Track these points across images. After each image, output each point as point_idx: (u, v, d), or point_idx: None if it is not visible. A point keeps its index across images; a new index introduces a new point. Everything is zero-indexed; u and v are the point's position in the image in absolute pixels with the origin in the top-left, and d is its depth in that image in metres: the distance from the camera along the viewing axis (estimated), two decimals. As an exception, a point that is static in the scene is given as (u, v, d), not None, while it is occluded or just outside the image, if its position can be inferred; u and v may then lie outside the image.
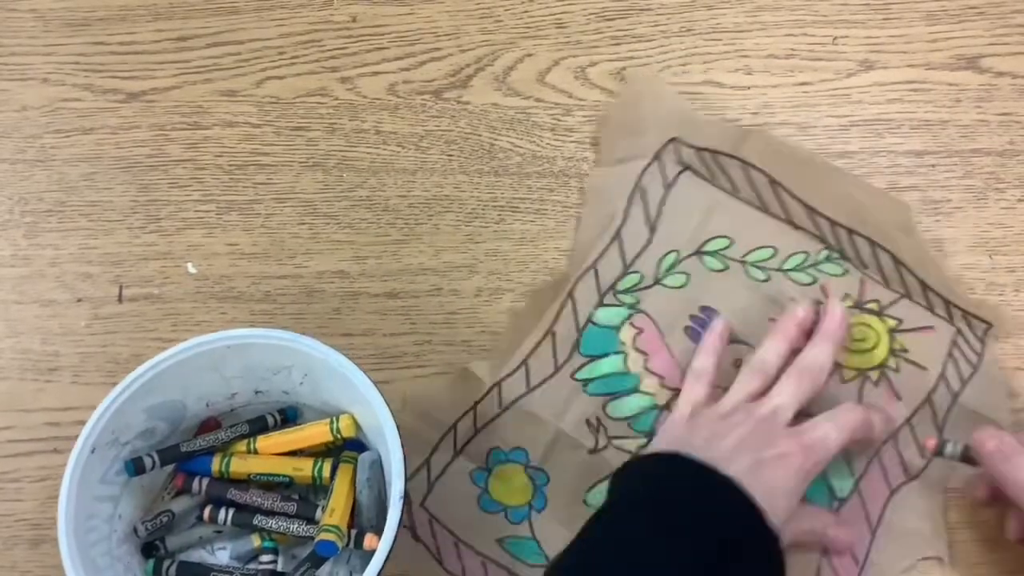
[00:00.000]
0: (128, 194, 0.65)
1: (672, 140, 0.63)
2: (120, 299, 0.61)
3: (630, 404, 0.56)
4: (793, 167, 0.62)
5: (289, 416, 0.56)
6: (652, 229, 0.61)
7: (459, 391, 0.57)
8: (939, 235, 0.62)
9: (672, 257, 0.60)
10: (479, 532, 0.54)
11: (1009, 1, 0.69)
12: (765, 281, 0.59)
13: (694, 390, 0.55)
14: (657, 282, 0.59)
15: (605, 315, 0.59)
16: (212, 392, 0.54)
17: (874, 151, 0.65)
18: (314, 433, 0.53)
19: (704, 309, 0.58)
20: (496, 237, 0.63)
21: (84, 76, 0.68)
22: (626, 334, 0.58)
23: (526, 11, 0.70)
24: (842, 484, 0.54)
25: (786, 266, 0.60)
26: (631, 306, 0.59)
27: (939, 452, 0.52)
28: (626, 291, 0.59)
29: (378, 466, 0.52)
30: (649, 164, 0.62)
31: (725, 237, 0.60)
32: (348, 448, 0.54)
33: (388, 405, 0.49)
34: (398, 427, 0.49)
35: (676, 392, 0.56)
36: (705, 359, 0.56)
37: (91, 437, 0.48)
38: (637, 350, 0.58)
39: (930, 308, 0.58)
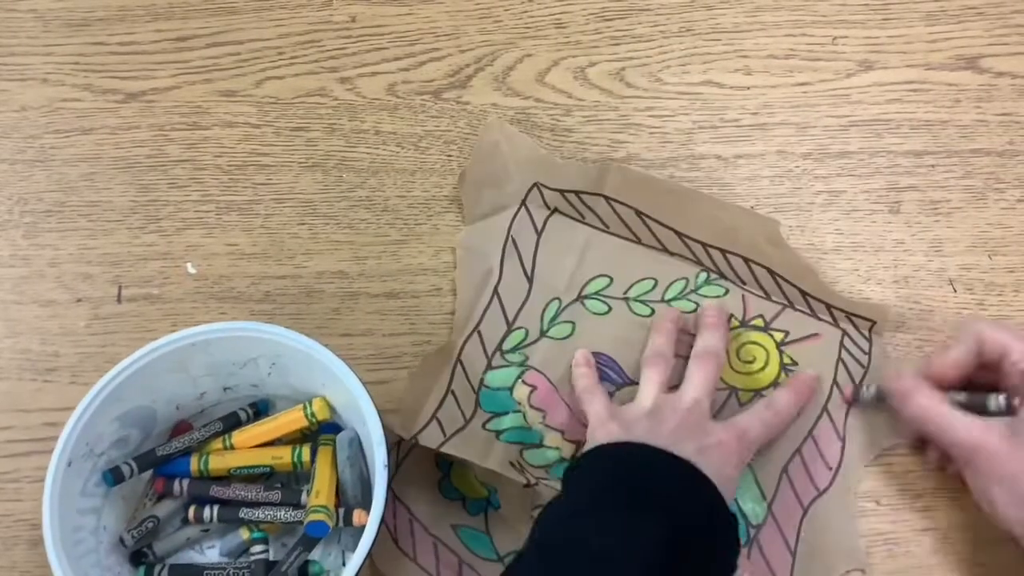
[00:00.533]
0: (128, 194, 0.65)
1: (535, 185, 0.62)
2: (119, 299, 0.61)
3: (543, 455, 0.56)
4: (657, 196, 0.62)
5: (261, 409, 0.56)
6: (529, 280, 0.60)
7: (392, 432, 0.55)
8: (939, 235, 0.62)
9: (555, 306, 0.59)
10: (435, 515, 0.54)
11: (1009, 1, 0.69)
12: (650, 315, 0.59)
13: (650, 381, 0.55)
14: (543, 335, 0.59)
15: (495, 378, 0.57)
16: (181, 394, 0.54)
17: (874, 151, 0.65)
18: (289, 420, 0.54)
19: (595, 355, 0.58)
20: (495, 237, 0.63)
21: (83, 76, 0.68)
22: (520, 393, 0.57)
23: (526, 11, 0.70)
24: (756, 509, 0.54)
25: (668, 296, 0.60)
26: (520, 364, 0.58)
27: (856, 398, 0.56)
28: (513, 349, 0.58)
29: (357, 444, 0.52)
30: (517, 212, 0.62)
31: (604, 276, 0.60)
32: (324, 432, 0.54)
33: (359, 378, 0.49)
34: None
35: (578, 444, 0.56)
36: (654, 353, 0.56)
37: (66, 451, 0.48)
38: (533, 408, 0.57)
39: (814, 314, 0.59)
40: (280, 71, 0.69)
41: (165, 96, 0.68)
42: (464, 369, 0.57)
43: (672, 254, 0.61)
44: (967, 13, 0.69)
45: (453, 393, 0.56)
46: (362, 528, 0.47)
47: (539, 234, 0.61)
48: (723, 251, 0.61)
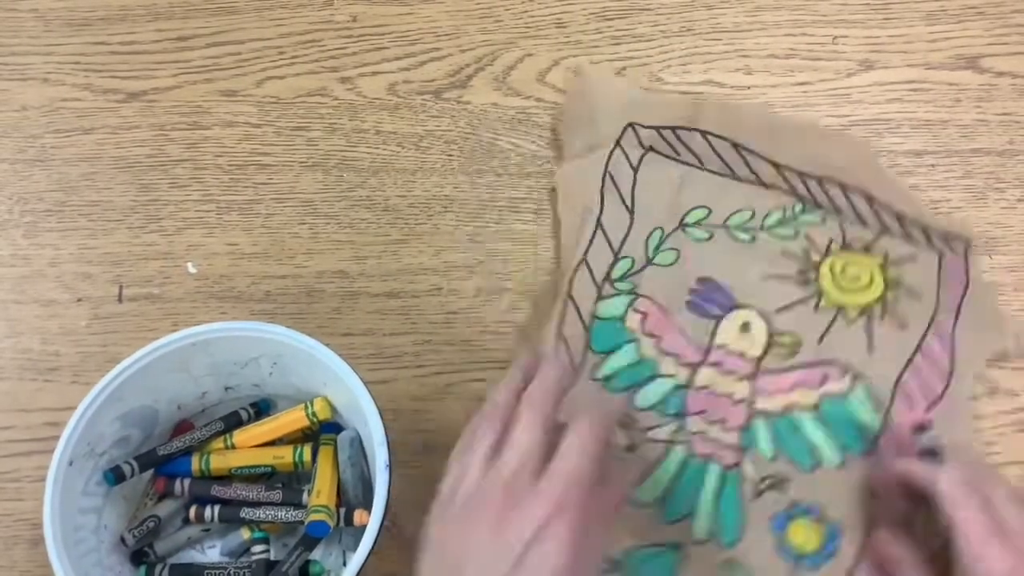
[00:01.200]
0: (128, 194, 0.65)
1: (629, 125, 0.63)
2: (120, 299, 0.61)
3: (655, 391, 0.57)
4: (752, 127, 0.63)
5: (262, 408, 0.56)
6: (631, 211, 0.61)
7: None
8: (939, 235, 0.62)
9: (658, 235, 0.61)
10: None
11: (1009, 1, 0.69)
12: (752, 242, 0.60)
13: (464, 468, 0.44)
14: (649, 263, 0.60)
15: (607, 308, 0.59)
16: (182, 394, 0.54)
17: (874, 151, 0.65)
18: (290, 420, 0.54)
19: (701, 281, 0.59)
20: (496, 237, 0.63)
21: (84, 76, 0.68)
22: (632, 321, 0.58)
23: (526, 11, 0.70)
24: (872, 420, 0.56)
25: (767, 223, 0.61)
26: (630, 292, 0.59)
27: (921, 428, 0.55)
28: (621, 278, 0.59)
29: (358, 444, 0.52)
30: (612, 151, 0.63)
31: (703, 207, 0.61)
32: (325, 432, 0.54)
33: (361, 378, 0.49)
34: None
35: (694, 367, 0.57)
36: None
37: (67, 450, 0.48)
38: (647, 335, 0.58)
39: (910, 238, 0.60)
40: (281, 71, 0.69)
41: (166, 96, 0.68)
42: (576, 304, 0.58)
43: (768, 186, 0.62)
44: (967, 13, 0.69)
45: (565, 340, 0.58)
46: (363, 528, 0.47)
47: (635, 171, 0.62)
48: (819, 179, 0.62)
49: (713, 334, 0.58)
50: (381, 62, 0.69)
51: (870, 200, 0.61)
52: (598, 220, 0.61)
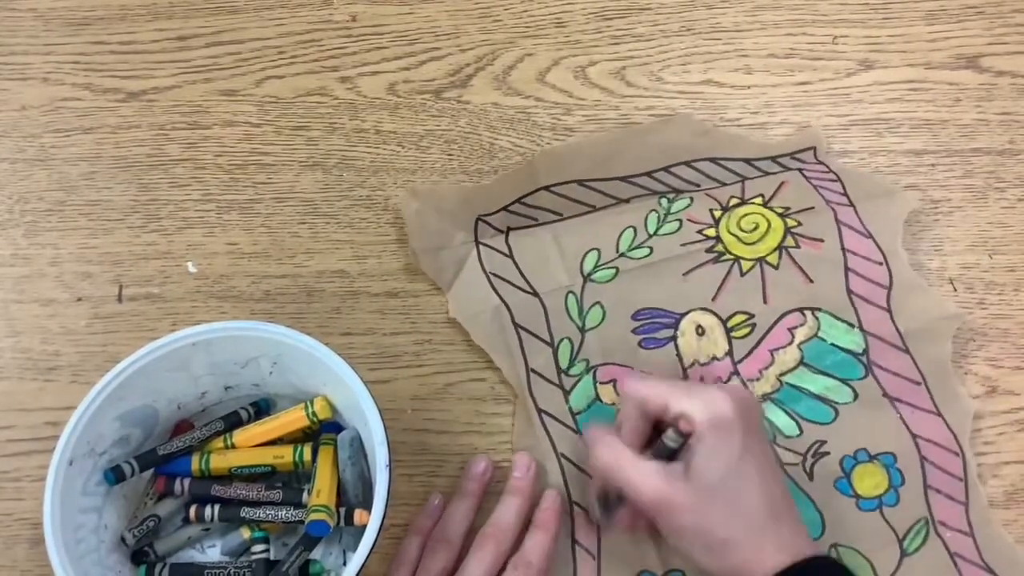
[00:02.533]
0: (128, 193, 0.65)
1: (477, 220, 0.62)
2: (120, 298, 0.61)
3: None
4: (587, 157, 0.63)
5: (262, 407, 0.56)
6: (534, 293, 0.59)
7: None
8: (939, 234, 0.62)
9: (572, 299, 0.59)
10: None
11: (1009, 1, 0.70)
12: (651, 254, 0.60)
13: None
14: (583, 331, 0.58)
15: (577, 397, 0.57)
16: (182, 393, 0.54)
17: (874, 150, 0.65)
18: (290, 420, 0.54)
19: (635, 316, 0.59)
20: (496, 236, 0.63)
21: (84, 76, 0.68)
22: (606, 393, 0.57)
23: (526, 10, 0.71)
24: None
25: (651, 230, 0.61)
26: (587, 369, 0.57)
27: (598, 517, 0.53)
28: (571, 362, 0.57)
29: (358, 443, 0.52)
30: (478, 252, 0.61)
31: (591, 250, 0.61)
32: (325, 431, 0.54)
33: (361, 378, 0.49)
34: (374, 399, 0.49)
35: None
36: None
37: (67, 450, 0.48)
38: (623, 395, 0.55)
39: (767, 173, 0.62)
40: (280, 70, 0.69)
41: (166, 95, 0.68)
42: (551, 415, 0.56)
43: (628, 200, 0.62)
44: (967, 12, 0.69)
45: (562, 456, 0.55)
46: (363, 528, 0.47)
47: (511, 255, 0.61)
48: (665, 169, 0.63)
49: (679, 357, 0.57)
50: (381, 62, 0.69)
51: (715, 161, 0.63)
52: (513, 323, 0.58)
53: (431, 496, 0.54)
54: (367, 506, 0.49)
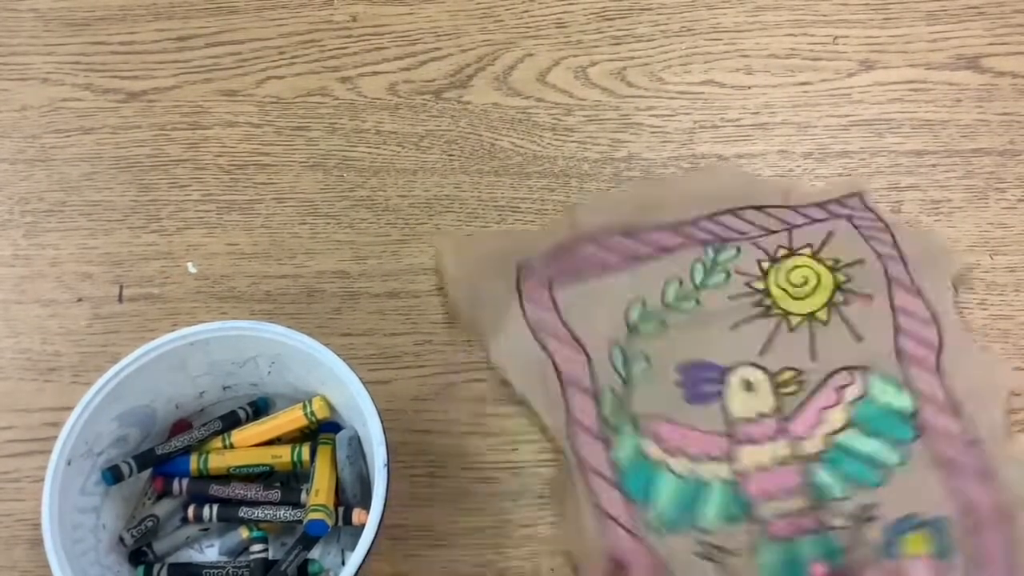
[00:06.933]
0: (128, 194, 0.65)
1: (518, 270, 0.60)
2: (120, 299, 0.61)
3: (712, 505, 0.53)
4: (628, 207, 0.62)
5: (260, 407, 0.56)
6: (579, 344, 0.58)
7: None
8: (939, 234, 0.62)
9: (618, 351, 0.58)
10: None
11: (1009, 1, 0.70)
12: (698, 305, 0.59)
13: None
14: (627, 384, 0.57)
15: (624, 453, 0.55)
16: (180, 393, 0.54)
17: (874, 151, 0.65)
18: (288, 419, 0.53)
19: (680, 369, 0.57)
20: (496, 237, 0.63)
21: (84, 76, 0.68)
22: (651, 449, 0.55)
23: (526, 11, 0.71)
24: (904, 401, 0.55)
25: (698, 282, 0.60)
26: (631, 422, 0.55)
27: None
28: (614, 414, 0.56)
29: (356, 443, 0.52)
30: (521, 303, 0.59)
31: (636, 302, 0.59)
32: (323, 431, 0.54)
33: (357, 376, 0.49)
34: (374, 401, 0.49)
35: (731, 457, 0.54)
36: None
37: (65, 450, 0.48)
38: (671, 453, 0.54)
39: (814, 220, 0.61)
40: (281, 71, 0.69)
41: (166, 96, 0.68)
42: (597, 471, 0.54)
43: (673, 250, 0.61)
44: (968, 13, 0.69)
45: (610, 517, 0.53)
46: (361, 527, 0.47)
47: (555, 309, 0.59)
48: (709, 217, 0.62)
49: (726, 412, 0.56)
50: (381, 62, 0.69)
51: (760, 209, 0.62)
52: (558, 375, 0.57)
53: None
54: (366, 506, 0.49)
